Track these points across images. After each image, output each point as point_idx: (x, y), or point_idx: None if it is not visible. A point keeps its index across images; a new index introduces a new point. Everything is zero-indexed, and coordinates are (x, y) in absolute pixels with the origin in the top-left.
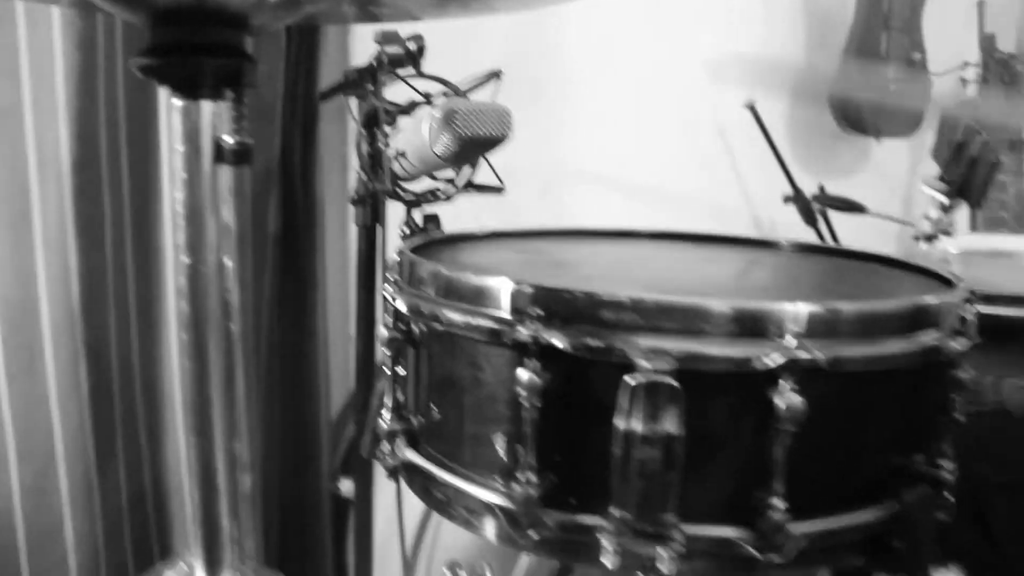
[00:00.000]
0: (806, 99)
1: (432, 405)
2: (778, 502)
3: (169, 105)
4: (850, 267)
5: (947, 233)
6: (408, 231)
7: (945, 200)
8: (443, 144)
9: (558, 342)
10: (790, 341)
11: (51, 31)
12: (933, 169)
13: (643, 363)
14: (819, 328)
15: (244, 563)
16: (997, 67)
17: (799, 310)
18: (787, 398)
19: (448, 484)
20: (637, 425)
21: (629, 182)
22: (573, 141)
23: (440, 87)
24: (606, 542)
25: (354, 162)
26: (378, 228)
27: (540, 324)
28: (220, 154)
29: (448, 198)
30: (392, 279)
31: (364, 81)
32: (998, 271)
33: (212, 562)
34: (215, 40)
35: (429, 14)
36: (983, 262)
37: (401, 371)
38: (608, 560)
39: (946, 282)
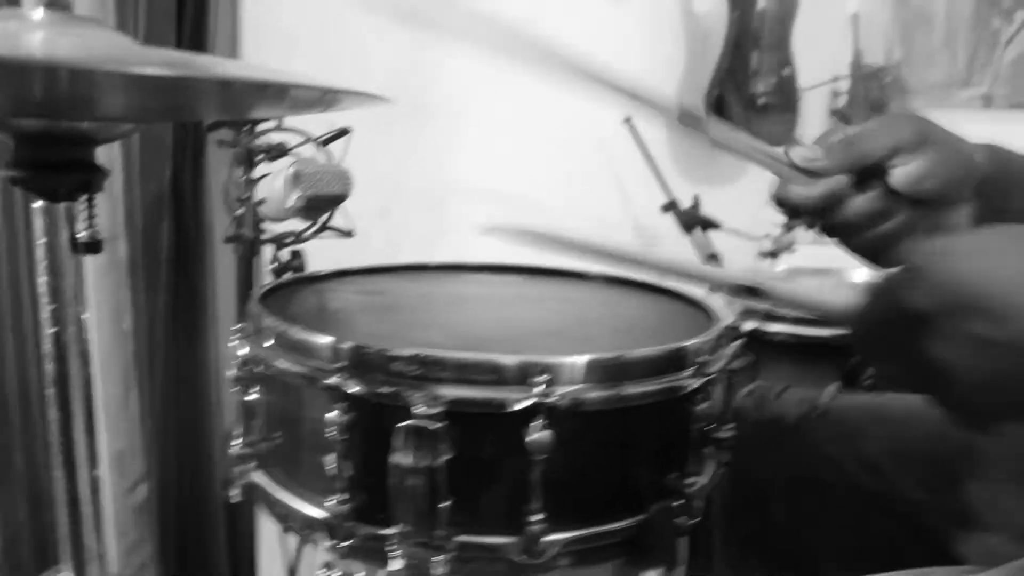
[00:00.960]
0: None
1: (274, 433)
2: (537, 516)
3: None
4: (638, 302)
5: (788, 250)
6: (276, 267)
7: (783, 219)
8: (292, 199)
9: (356, 389)
10: (538, 388)
11: None
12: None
13: (417, 408)
14: (565, 376)
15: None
16: (865, 81)
17: (547, 361)
18: (537, 435)
19: (285, 502)
20: (406, 460)
21: (514, 197)
22: (459, 160)
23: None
24: (394, 551)
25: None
26: (254, 260)
27: (345, 374)
28: (75, 246)
29: (305, 240)
30: (241, 328)
31: (239, 124)
32: None
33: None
34: (70, 158)
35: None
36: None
37: (250, 403)
38: (396, 565)
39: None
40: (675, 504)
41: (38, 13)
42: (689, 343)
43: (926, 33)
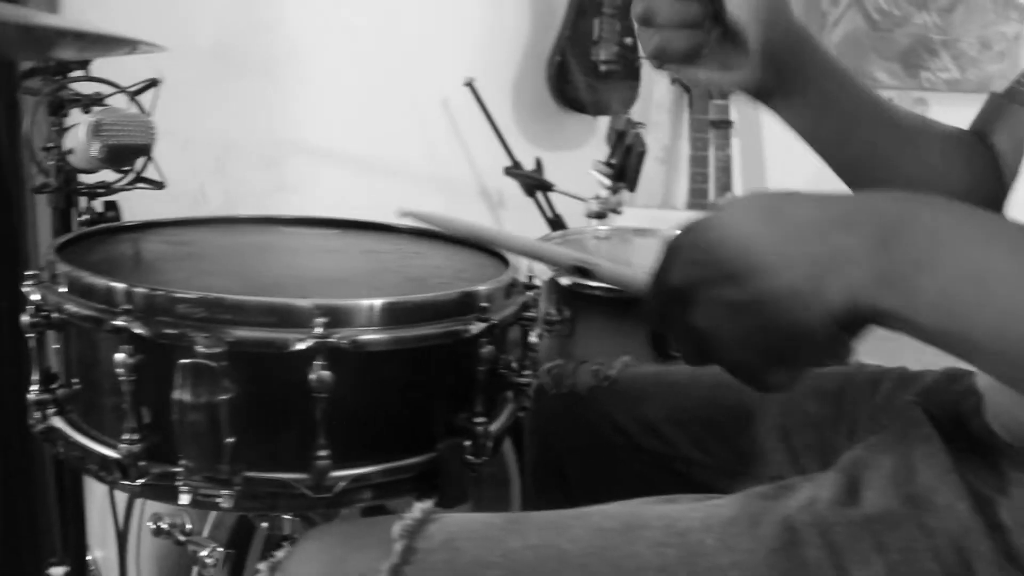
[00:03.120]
0: (529, 77)
1: (73, 380)
2: (323, 452)
3: None
4: (443, 253)
5: (616, 211)
6: (87, 219)
7: (608, 182)
8: (95, 149)
9: (142, 331)
10: (318, 331)
11: None
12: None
13: (199, 348)
14: (347, 319)
15: None
16: None
17: (328, 303)
18: (318, 375)
19: (82, 444)
20: (185, 396)
21: (354, 156)
22: (297, 115)
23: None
24: (182, 486)
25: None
26: (72, 211)
27: (131, 316)
28: None
29: (116, 192)
30: (33, 274)
31: (50, 72)
32: (638, 248)
33: None
34: None
35: None
36: (628, 239)
37: (43, 348)
38: (183, 499)
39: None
40: (464, 442)
41: None
42: (472, 289)
43: None
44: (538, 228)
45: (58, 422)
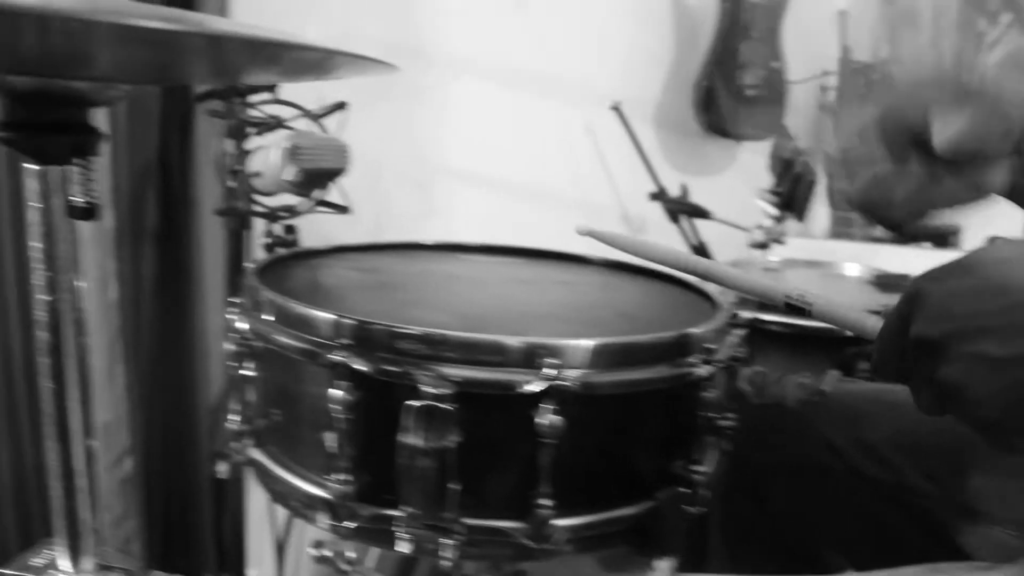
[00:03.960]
0: (674, 101)
1: (272, 409)
2: (546, 501)
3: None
4: (638, 287)
5: (779, 241)
6: (269, 242)
7: (775, 211)
8: (290, 173)
9: (362, 367)
10: (549, 372)
11: None
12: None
13: (426, 388)
14: (576, 360)
15: (102, 549)
16: (853, 77)
17: (558, 344)
18: (547, 418)
19: (284, 479)
20: (417, 440)
21: (500, 179)
22: (446, 139)
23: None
24: (402, 532)
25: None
26: (245, 233)
27: (349, 351)
28: (72, 211)
29: (299, 215)
30: (238, 302)
31: (231, 94)
32: (808, 281)
33: (74, 549)
34: (64, 118)
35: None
36: (799, 271)
37: (246, 378)
38: (403, 547)
39: (714, 305)
40: (682, 491)
41: None
42: (697, 330)
43: (913, 32)
44: None
45: (257, 454)
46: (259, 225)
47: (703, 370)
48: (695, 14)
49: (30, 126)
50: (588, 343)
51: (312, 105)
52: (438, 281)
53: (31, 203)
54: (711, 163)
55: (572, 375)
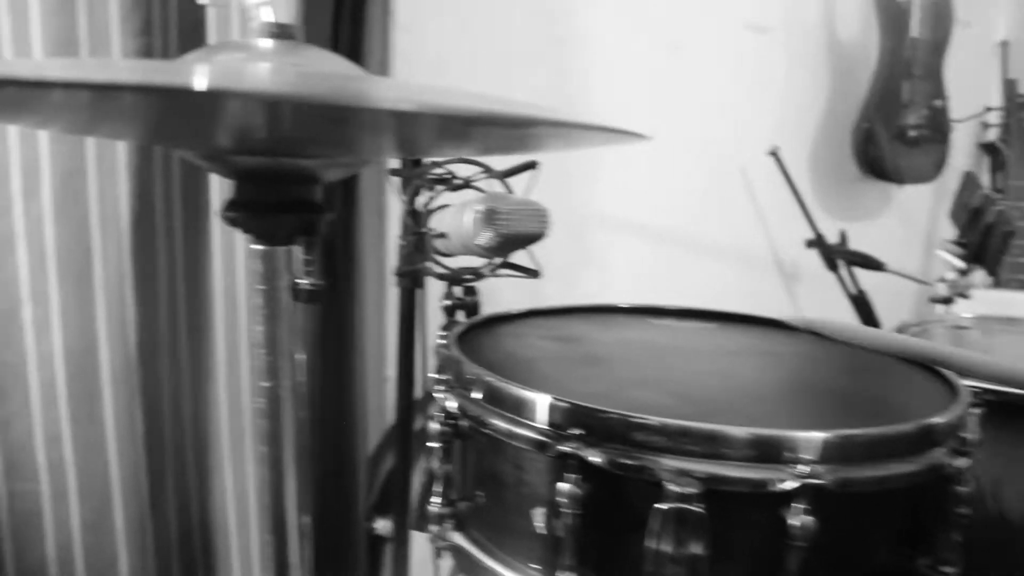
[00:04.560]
0: (829, 144)
1: (478, 492)
2: None
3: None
4: (859, 362)
5: (964, 296)
6: (449, 304)
7: (961, 264)
8: (485, 238)
9: (596, 459)
10: (803, 469)
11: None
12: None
13: (671, 487)
14: (830, 454)
15: None
16: (1018, 112)
17: (812, 438)
18: (800, 518)
19: (491, 569)
20: (667, 547)
21: (653, 226)
22: (600, 187)
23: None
24: None
25: (393, 213)
26: (418, 292)
27: (580, 442)
28: (296, 294)
29: (485, 277)
30: (441, 378)
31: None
32: (1013, 342)
33: None
34: (291, 197)
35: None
36: (998, 330)
37: (449, 460)
38: None
39: (946, 382)
40: None
41: (264, 43)
42: (944, 418)
43: None
44: (838, 304)
45: (460, 539)
46: (433, 284)
47: (960, 462)
48: (851, 52)
49: (257, 205)
50: (838, 436)
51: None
52: (643, 353)
53: (256, 285)
54: (865, 206)
55: (822, 470)
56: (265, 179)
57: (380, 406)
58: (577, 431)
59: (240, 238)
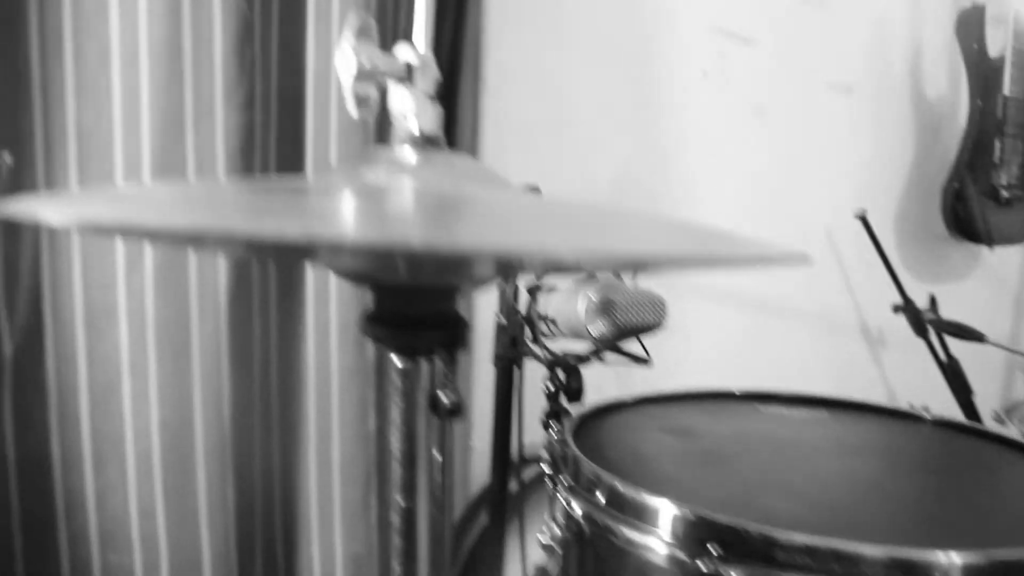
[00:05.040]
0: (916, 204)
1: None
2: None
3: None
4: (989, 458)
5: None
6: (552, 388)
7: None
8: (599, 328)
9: None
10: None
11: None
12: None
13: None
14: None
15: None
16: None
17: (953, 560)
18: None
19: None
20: None
21: (737, 292)
22: None
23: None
24: None
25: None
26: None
27: (719, 561)
28: (436, 408)
29: (590, 361)
30: (561, 480)
31: None
32: None
33: None
34: (432, 310)
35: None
36: None
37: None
38: None
39: None
40: None
41: (408, 155)
42: None
43: None
44: (927, 373)
45: None
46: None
47: None
48: (938, 110)
49: (399, 321)
50: (982, 556)
51: None
52: (762, 449)
53: (395, 401)
54: (953, 268)
55: None
56: (406, 293)
57: (464, 476)
58: (717, 551)
59: (333, 314)
